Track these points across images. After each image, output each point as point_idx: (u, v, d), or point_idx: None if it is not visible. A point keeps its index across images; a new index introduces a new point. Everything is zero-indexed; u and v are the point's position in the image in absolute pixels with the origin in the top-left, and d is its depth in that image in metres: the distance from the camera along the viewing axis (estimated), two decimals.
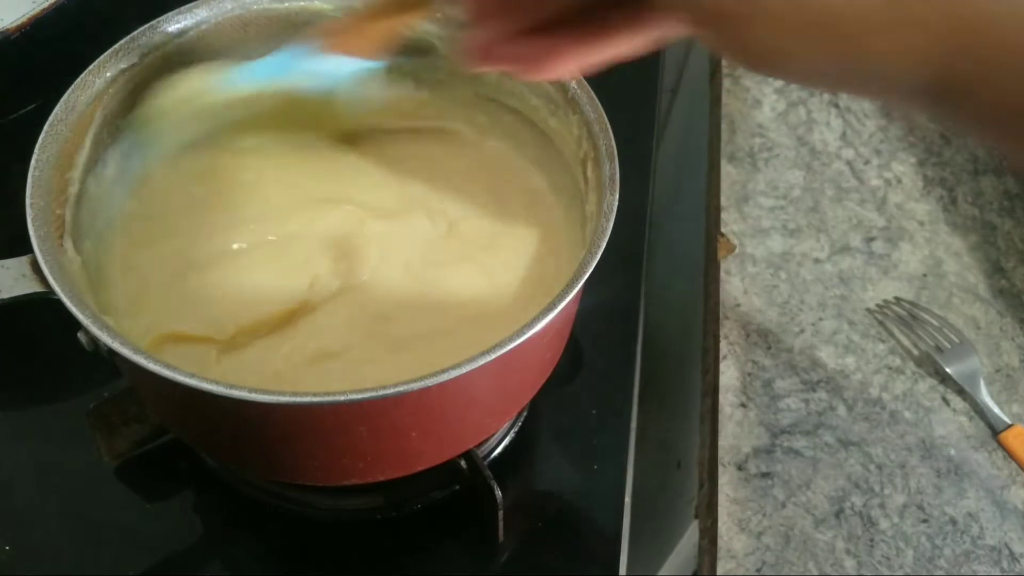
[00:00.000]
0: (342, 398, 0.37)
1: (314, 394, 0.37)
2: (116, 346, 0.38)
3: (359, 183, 0.56)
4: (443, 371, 0.37)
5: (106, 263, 0.51)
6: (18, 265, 0.41)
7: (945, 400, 0.62)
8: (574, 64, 0.37)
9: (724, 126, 0.77)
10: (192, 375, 0.37)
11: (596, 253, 0.41)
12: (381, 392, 0.37)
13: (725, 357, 0.63)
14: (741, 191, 0.73)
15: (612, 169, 0.46)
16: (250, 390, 0.36)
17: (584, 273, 0.41)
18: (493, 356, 0.38)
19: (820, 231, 0.71)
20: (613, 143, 0.47)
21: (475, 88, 0.58)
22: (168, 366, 0.37)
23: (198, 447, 0.52)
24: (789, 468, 0.58)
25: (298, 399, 0.37)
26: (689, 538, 0.62)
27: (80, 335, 0.41)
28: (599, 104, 0.49)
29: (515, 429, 0.57)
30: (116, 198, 0.52)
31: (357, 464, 0.44)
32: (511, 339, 0.38)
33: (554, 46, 0.36)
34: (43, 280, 0.40)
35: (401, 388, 0.37)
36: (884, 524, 0.56)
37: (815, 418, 0.60)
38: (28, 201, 0.42)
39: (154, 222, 0.53)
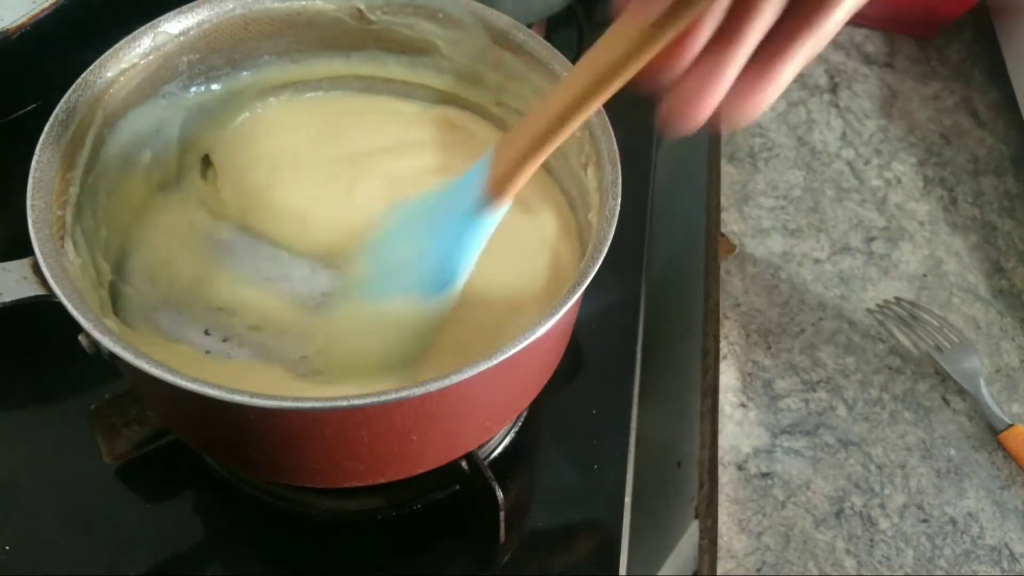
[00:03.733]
0: (343, 403, 0.36)
1: (315, 399, 0.37)
2: (117, 349, 0.37)
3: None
4: (444, 376, 0.37)
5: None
6: (19, 268, 0.41)
7: (945, 400, 0.62)
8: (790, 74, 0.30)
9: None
10: (193, 379, 0.36)
11: (598, 259, 0.41)
12: (382, 397, 0.36)
13: (725, 357, 0.63)
14: (741, 191, 0.73)
15: (614, 173, 0.45)
16: (251, 394, 0.36)
17: (585, 279, 0.41)
18: (494, 362, 0.37)
19: (820, 231, 0.71)
20: (615, 147, 0.46)
21: (477, 91, 0.58)
22: (168, 369, 0.37)
23: (198, 449, 0.52)
24: (789, 468, 0.58)
25: (298, 404, 0.37)
26: (689, 538, 0.62)
27: (81, 338, 0.41)
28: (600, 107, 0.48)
29: (516, 429, 0.57)
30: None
31: (358, 467, 0.44)
32: (512, 345, 0.38)
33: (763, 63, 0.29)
34: (44, 283, 0.40)
35: (403, 394, 0.36)
36: (884, 524, 0.56)
37: (815, 418, 0.60)
38: (29, 203, 0.42)
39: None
